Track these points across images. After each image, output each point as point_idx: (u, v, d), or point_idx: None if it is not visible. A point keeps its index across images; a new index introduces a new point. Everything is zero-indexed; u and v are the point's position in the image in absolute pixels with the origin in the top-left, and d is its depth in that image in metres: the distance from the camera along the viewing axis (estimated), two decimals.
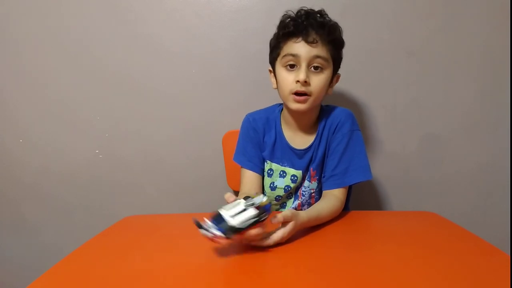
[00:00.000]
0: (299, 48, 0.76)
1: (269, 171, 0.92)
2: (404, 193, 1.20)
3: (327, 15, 0.80)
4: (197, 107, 1.19)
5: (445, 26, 1.09)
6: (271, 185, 0.92)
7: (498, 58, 1.10)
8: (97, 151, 1.24)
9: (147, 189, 1.26)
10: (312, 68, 0.77)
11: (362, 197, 1.22)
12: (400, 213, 0.91)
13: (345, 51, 1.11)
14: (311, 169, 0.88)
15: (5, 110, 1.24)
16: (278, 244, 0.64)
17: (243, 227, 0.57)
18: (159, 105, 1.20)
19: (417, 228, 0.76)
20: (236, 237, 0.57)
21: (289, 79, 0.78)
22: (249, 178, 0.90)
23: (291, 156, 0.89)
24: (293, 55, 0.77)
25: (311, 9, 0.80)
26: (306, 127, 0.88)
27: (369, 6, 1.09)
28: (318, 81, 0.77)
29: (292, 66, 0.78)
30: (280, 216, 0.63)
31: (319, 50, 0.76)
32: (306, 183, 0.89)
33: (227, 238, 0.56)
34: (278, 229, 0.64)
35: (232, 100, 1.12)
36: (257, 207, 0.58)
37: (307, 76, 0.76)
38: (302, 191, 0.90)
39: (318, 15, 0.78)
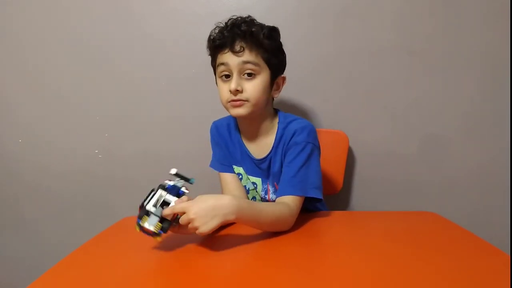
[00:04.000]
0: (227, 57, 0.76)
1: (239, 175, 0.93)
2: (404, 193, 1.20)
3: (255, 20, 0.79)
4: (197, 107, 1.19)
5: (446, 26, 1.09)
6: (245, 187, 0.93)
7: (499, 58, 1.10)
8: (96, 151, 1.24)
9: (147, 189, 1.26)
10: (246, 75, 0.77)
11: (362, 197, 1.22)
12: (400, 213, 0.91)
13: (346, 51, 1.12)
14: (275, 183, 0.86)
15: (5, 110, 1.24)
16: (273, 244, 0.64)
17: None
18: (159, 105, 1.20)
19: (417, 228, 0.76)
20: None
21: (224, 89, 0.78)
22: (225, 180, 0.92)
23: (250, 164, 0.89)
24: (223, 64, 0.77)
25: (240, 17, 0.79)
26: (260, 135, 0.86)
27: (369, 6, 1.09)
28: (252, 86, 0.76)
29: (227, 76, 0.78)
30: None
31: (247, 56, 0.75)
32: (274, 196, 0.88)
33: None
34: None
35: None
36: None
37: (238, 84, 0.76)
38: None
39: (243, 23, 0.76)
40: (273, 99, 0.86)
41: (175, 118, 1.21)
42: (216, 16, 1.11)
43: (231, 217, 0.62)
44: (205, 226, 0.60)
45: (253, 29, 0.75)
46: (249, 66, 0.75)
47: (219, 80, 0.81)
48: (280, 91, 0.85)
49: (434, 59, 1.11)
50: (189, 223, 0.61)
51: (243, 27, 0.75)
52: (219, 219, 0.60)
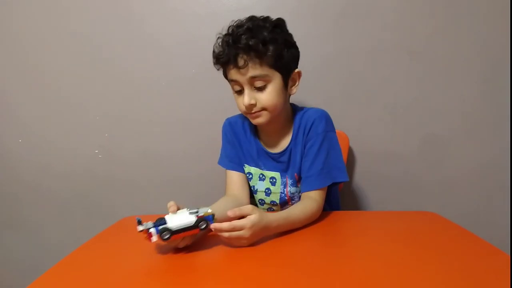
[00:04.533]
0: (235, 74, 0.76)
1: (248, 175, 0.93)
2: (404, 193, 1.20)
3: (255, 24, 0.75)
4: (197, 107, 1.19)
5: (446, 26, 1.09)
6: (252, 188, 0.93)
7: (499, 58, 1.09)
8: (96, 151, 1.24)
9: (147, 189, 1.26)
10: (256, 87, 0.76)
11: (362, 197, 1.22)
12: (400, 213, 0.91)
13: (346, 51, 1.12)
14: (295, 174, 0.87)
15: (5, 110, 1.24)
16: (272, 244, 0.64)
17: (176, 229, 0.60)
18: (158, 105, 1.20)
19: (417, 228, 0.76)
20: (171, 239, 0.60)
21: (240, 103, 0.79)
22: (231, 178, 0.92)
23: (267, 159, 0.90)
24: (233, 80, 0.78)
25: (239, 24, 0.76)
26: (279, 131, 0.88)
27: (369, 6, 1.09)
28: (265, 96, 0.77)
29: (240, 91, 0.78)
30: (237, 209, 0.64)
31: (253, 71, 0.74)
32: (292, 188, 0.88)
33: (162, 238, 0.59)
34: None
35: (231, 99, 1.11)
36: (198, 216, 0.61)
37: (251, 98, 0.76)
38: (290, 196, 0.89)
39: (243, 35, 0.72)
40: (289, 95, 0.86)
41: (175, 118, 1.21)
42: (216, 16, 1.12)
43: (269, 233, 0.68)
44: (249, 244, 0.65)
45: (250, 43, 0.71)
46: (257, 79, 0.75)
47: (234, 93, 0.81)
48: (297, 86, 0.83)
49: (434, 58, 1.11)
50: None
51: (243, 41, 0.72)
52: (259, 238, 0.66)
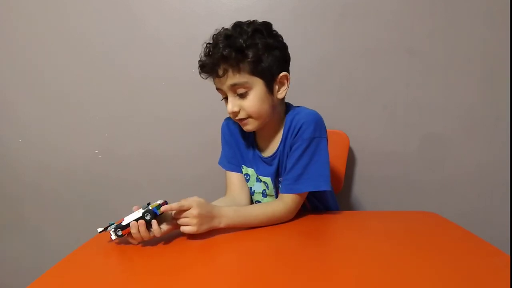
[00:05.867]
0: (217, 83, 0.77)
1: (246, 176, 0.92)
2: (404, 193, 1.20)
3: (235, 30, 0.74)
4: (197, 107, 1.19)
5: (446, 25, 1.09)
6: (250, 189, 0.92)
7: (499, 58, 1.10)
8: (96, 151, 1.24)
9: (147, 189, 1.26)
10: (239, 95, 0.76)
11: (362, 197, 1.22)
12: (400, 213, 0.91)
13: (346, 51, 1.12)
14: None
15: (5, 109, 1.24)
16: (271, 244, 0.64)
17: (125, 224, 0.66)
18: (158, 105, 1.20)
19: (417, 228, 0.76)
20: (125, 233, 0.67)
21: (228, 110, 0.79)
22: (230, 179, 0.92)
23: (260, 163, 0.89)
24: (217, 88, 0.79)
25: (222, 32, 0.75)
26: (271, 134, 0.86)
27: (369, 6, 1.09)
28: (248, 103, 0.75)
29: (226, 98, 0.78)
30: (174, 204, 0.67)
31: (231, 79, 0.73)
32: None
33: (117, 235, 0.67)
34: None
35: None
36: (147, 210, 0.67)
37: (234, 105, 0.76)
38: None
39: (220, 44, 0.72)
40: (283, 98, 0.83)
41: (175, 118, 1.21)
42: (216, 16, 1.12)
43: (219, 225, 0.70)
44: (198, 227, 0.66)
45: (224, 53, 0.71)
46: (237, 87, 0.74)
47: (224, 100, 0.81)
48: (286, 89, 0.80)
49: (434, 58, 1.11)
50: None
51: (219, 51, 0.72)
52: (208, 225, 0.68)
